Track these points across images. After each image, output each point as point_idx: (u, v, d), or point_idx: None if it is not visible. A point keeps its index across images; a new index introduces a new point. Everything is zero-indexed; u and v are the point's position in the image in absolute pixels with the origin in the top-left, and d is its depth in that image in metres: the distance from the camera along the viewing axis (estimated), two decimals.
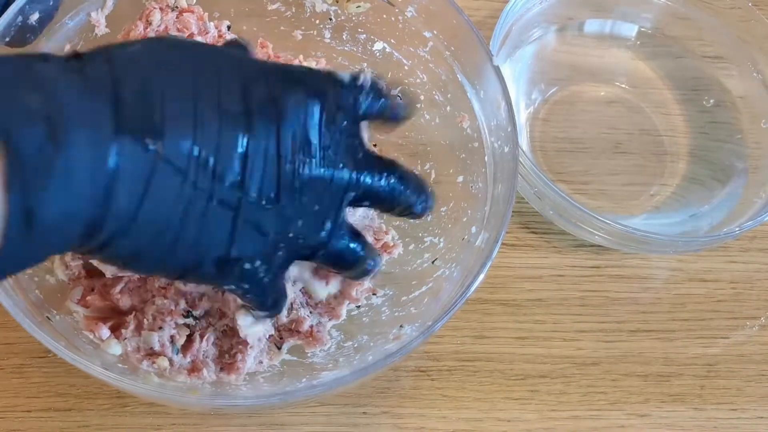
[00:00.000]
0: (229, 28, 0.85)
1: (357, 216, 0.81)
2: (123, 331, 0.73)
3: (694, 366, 0.87)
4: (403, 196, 0.64)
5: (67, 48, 0.80)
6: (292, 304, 0.76)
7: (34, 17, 0.75)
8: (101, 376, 0.64)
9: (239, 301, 0.69)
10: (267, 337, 0.76)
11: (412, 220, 0.73)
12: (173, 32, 0.82)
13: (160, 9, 0.81)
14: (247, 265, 0.59)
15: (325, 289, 0.75)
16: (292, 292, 0.78)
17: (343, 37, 0.87)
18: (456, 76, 0.83)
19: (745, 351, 0.89)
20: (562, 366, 0.86)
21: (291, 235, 0.60)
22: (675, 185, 0.96)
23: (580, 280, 0.90)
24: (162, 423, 0.79)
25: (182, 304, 0.73)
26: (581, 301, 0.89)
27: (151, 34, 0.80)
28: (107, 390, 0.79)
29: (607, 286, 0.90)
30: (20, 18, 0.74)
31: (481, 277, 0.70)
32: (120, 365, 0.72)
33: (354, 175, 0.61)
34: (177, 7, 0.82)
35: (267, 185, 0.56)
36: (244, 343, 0.75)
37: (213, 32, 0.83)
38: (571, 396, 0.85)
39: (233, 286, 0.62)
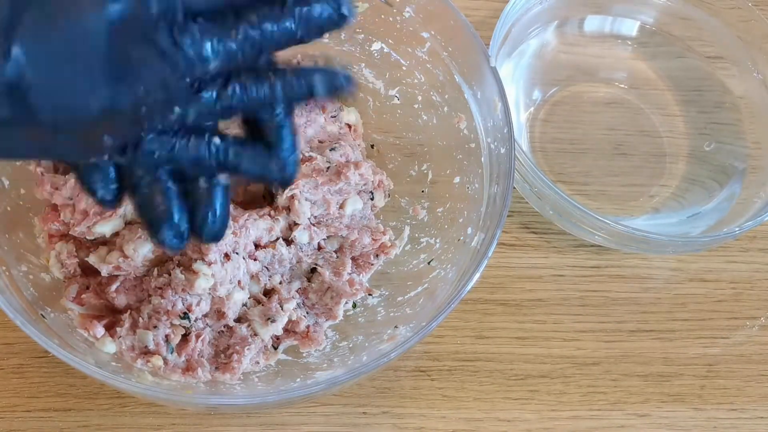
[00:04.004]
0: None
1: (356, 217, 0.82)
2: (118, 329, 0.73)
3: (694, 366, 0.87)
4: None
5: None
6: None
7: None
8: (94, 374, 0.65)
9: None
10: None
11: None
12: None
13: None
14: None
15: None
16: (287, 292, 0.79)
17: (341, 36, 0.88)
18: (453, 76, 0.83)
19: (745, 351, 0.89)
20: (562, 366, 0.86)
21: None
22: (675, 186, 0.96)
23: (580, 280, 0.90)
24: (162, 423, 0.79)
25: (180, 306, 0.73)
26: (581, 301, 0.89)
27: None
28: (107, 390, 0.79)
29: (607, 286, 0.90)
30: None
31: (476, 277, 0.71)
32: (114, 363, 0.72)
33: None
34: None
35: None
36: (241, 343, 0.75)
37: None
38: (571, 396, 0.85)
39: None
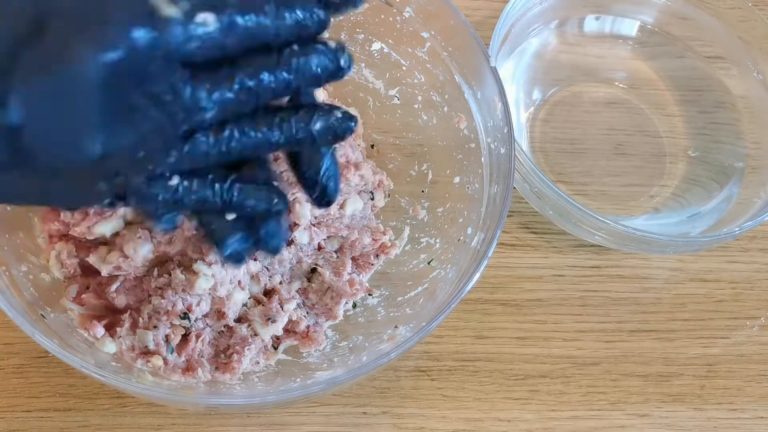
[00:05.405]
0: None
1: (356, 217, 0.82)
2: (118, 329, 0.73)
3: (694, 366, 0.87)
4: None
5: None
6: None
7: None
8: (94, 374, 0.64)
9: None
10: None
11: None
12: None
13: None
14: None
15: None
16: (287, 292, 0.79)
17: (341, 37, 0.87)
18: (453, 76, 0.83)
19: (745, 351, 0.89)
20: (562, 366, 0.86)
21: None
22: (675, 186, 0.96)
23: (580, 280, 0.90)
24: (162, 423, 0.79)
25: (180, 306, 0.73)
26: (581, 301, 0.89)
27: None
28: (107, 390, 0.79)
29: (607, 286, 0.90)
30: None
31: (476, 277, 0.71)
32: (114, 363, 0.72)
33: None
34: None
35: None
36: (242, 343, 0.75)
37: None
38: (571, 396, 0.85)
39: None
